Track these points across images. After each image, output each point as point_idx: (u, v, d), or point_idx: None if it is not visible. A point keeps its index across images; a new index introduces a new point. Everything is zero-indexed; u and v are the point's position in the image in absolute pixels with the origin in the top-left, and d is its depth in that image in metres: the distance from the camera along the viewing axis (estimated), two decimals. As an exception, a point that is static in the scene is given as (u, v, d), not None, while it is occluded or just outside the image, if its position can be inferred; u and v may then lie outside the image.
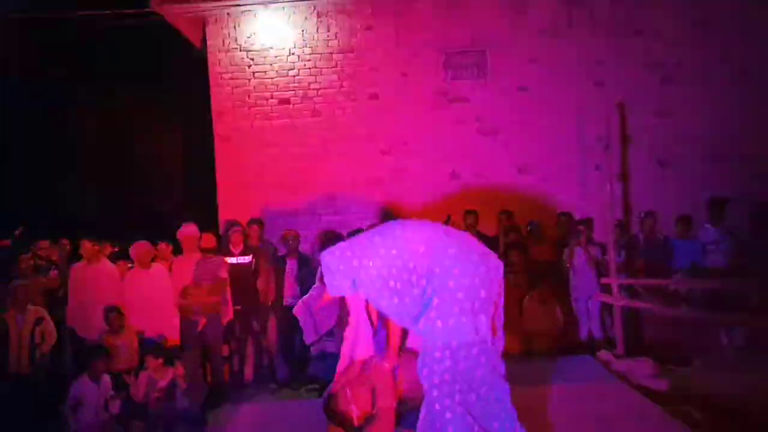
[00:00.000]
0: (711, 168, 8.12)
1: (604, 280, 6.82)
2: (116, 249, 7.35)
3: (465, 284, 3.24)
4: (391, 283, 3.29)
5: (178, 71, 11.88)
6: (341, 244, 3.61)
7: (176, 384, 5.86)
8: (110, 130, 13.02)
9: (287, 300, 7.14)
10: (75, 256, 7.34)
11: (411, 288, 3.27)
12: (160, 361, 6.03)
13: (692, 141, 8.19)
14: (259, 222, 7.77)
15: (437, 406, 3.20)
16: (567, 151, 8.27)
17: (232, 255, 7.18)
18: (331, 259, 3.48)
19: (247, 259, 7.24)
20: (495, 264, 3.43)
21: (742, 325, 6.92)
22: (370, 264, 3.33)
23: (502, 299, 3.47)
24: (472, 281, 3.24)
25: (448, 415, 3.16)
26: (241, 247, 7.27)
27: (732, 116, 8.16)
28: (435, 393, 3.21)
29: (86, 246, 6.87)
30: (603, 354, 6.17)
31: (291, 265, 7.28)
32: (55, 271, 6.84)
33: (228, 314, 7.04)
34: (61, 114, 12.46)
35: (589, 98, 8.25)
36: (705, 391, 5.33)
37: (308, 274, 6.96)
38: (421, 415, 3.26)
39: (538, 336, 7.10)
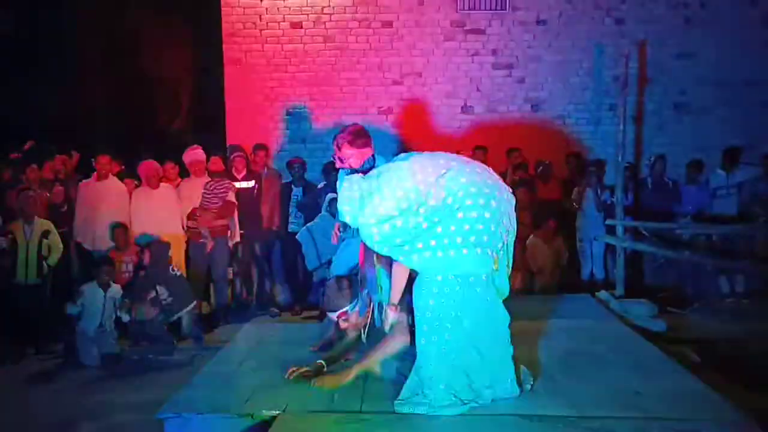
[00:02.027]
0: (728, 113, 7.98)
1: (609, 222, 6.80)
2: (123, 167, 7.34)
3: (474, 216, 3.17)
4: (398, 209, 3.19)
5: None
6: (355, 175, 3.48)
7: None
8: (119, 49, 12.81)
9: (291, 226, 7.18)
10: (81, 171, 7.37)
11: (415, 216, 3.19)
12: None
13: (711, 85, 8.01)
14: (264, 148, 7.74)
15: (423, 341, 3.19)
16: (582, 90, 8.12)
17: (235, 180, 7.18)
18: (347, 185, 3.36)
19: (250, 184, 7.24)
20: (508, 197, 3.38)
21: (744, 272, 6.95)
22: (385, 193, 3.21)
23: (513, 236, 3.41)
24: (481, 214, 3.18)
25: (434, 350, 3.17)
26: (244, 172, 7.26)
27: (753, 62, 7.96)
28: (425, 327, 3.20)
29: (102, 161, 6.87)
30: (603, 294, 6.21)
31: (296, 193, 7.29)
32: (60, 187, 6.84)
33: (235, 237, 7.11)
34: (69, 32, 12.25)
35: (608, 36, 8.04)
36: (703, 335, 5.39)
37: (313, 201, 6.96)
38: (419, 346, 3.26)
39: (539, 274, 7.16)
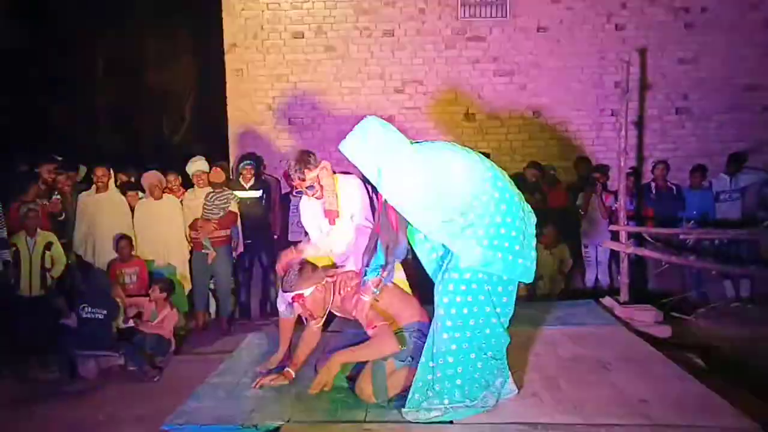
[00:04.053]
0: (730, 118, 7.99)
1: (612, 228, 6.79)
2: (131, 180, 7.34)
3: (509, 222, 3.17)
4: (423, 195, 3.09)
5: (191, 1, 11.67)
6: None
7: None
8: (121, 62, 12.87)
9: (292, 236, 7.18)
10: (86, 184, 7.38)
11: (442, 207, 3.12)
12: (164, 295, 6.14)
13: (712, 90, 8.03)
14: (259, 158, 7.77)
15: (445, 336, 3.15)
16: (584, 96, 8.12)
17: (242, 188, 7.20)
18: (373, 124, 3.20)
19: (258, 193, 7.26)
20: (529, 209, 3.38)
21: (749, 276, 6.93)
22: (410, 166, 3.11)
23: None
24: (514, 221, 3.18)
25: (456, 348, 3.16)
26: (252, 181, 7.27)
27: (754, 66, 7.97)
28: (448, 323, 3.14)
29: (99, 173, 6.89)
30: (607, 300, 6.19)
31: (296, 202, 7.29)
32: (58, 198, 6.84)
33: (238, 247, 7.13)
34: (72, 45, 12.31)
35: (609, 42, 8.06)
36: (707, 341, 5.37)
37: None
38: (427, 343, 3.23)
39: (542, 280, 7.14)
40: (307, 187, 3.93)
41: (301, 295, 3.51)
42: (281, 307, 4.04)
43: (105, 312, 5.81)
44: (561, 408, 3.23)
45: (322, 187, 3.93)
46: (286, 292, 3.56)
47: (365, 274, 3.46)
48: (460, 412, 3.15)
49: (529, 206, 3.40)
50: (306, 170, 3.87)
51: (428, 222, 3.14)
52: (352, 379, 3.53)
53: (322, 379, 3.47)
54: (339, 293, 3.59)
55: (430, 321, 3.32)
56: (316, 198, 4.00)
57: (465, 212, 3.13)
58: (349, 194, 4.03)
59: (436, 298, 3.22)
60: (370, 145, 3.13)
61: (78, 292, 6.10)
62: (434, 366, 3.18)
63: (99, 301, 5.85)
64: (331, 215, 3.99)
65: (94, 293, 6.03)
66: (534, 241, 3.36)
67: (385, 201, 3.22)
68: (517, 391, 3.37)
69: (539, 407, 3.27)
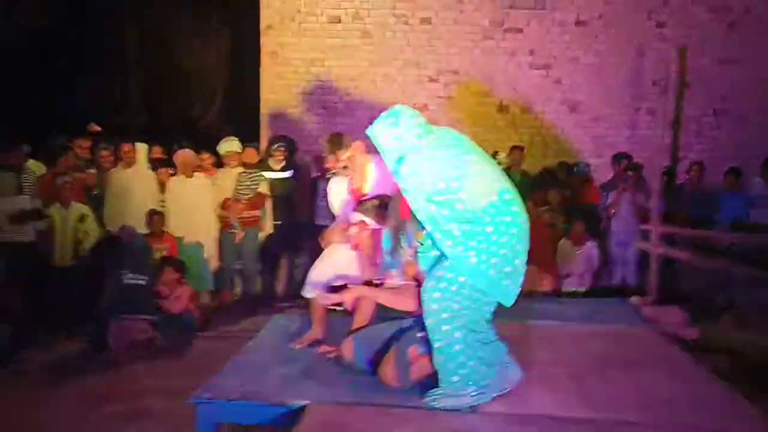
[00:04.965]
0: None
1: (643, 227, 6.72)
2: (166, 156, 7.42)
3: (504, 241, 3.11)
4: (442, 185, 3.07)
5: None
6: None
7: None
8: (157, 41, 12.98)
9: (319, 220, 7.22)
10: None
11: (456, 207, 3.08)
12: (177, 275, 6.21)
13: (752, 92, 7.89)
14: (291, 141, 7.80)
15: (445, 328, 3.15)
16: (620, 93, 8.04)
17: (272, 170, 7.25)
18: (402, 113, 3.24)
19: (288, 175, 7.30)
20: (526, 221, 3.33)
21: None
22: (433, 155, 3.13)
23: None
24: (519, 232, 3.15)
25: (457, 334, 3.15)
26: (283, 163, 7.31)
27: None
28: (444, 315, 3.14)
29: (125, 149, 6.98)
30: (634, 299, 6.13)
31: (324, 186, 7.31)
32: (93, 171, 6.94)
33: (266, 228, 7.18)
34: (105, 21, 12.45)
35: (648, 39, 7.95)
36: (736, 345, 5.30)
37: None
38: (435, 346, 3.23)
39: (570, 277, 7.10)
40: (342, 168, 3.95)
41: (365, 223, 3.58)
42: (307, 294, 4.08)
43: (146, 278, 5.88)
44: (586, 404, 3.22)
45: (356, 167, 3.93)
46: (356, 212, 3.64)
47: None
48: (478, 398, 3.16)
49: (528, 227, 3.30)
50: (339, 151, 3.90)
51: (434, 218, 3.12)
52: (373, 363, 3.54)
53: (336, 297, 3.51)
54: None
55: None
56: (349, 179, 4.02)
57: (472, 221, 3.10)
58: (383, 172, 4.00)
59: (425, 297, 3.19)
60: (396, 132, 3.17)
61: (117, 259, 6.13)
62: (448, 356, 3.17)
63: (140, 267, 5.91)
64: (355, 194, 4.00)
65: (135, 259, 6.05)
66: (525, 268, 3.29)
67: (399, 190, 3.24)
68: (521, 375, 3.35)
69: (565, 402, 3.26)
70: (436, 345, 3.19)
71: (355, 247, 3.70)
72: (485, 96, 8.16)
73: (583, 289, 7.08)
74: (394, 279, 3.51)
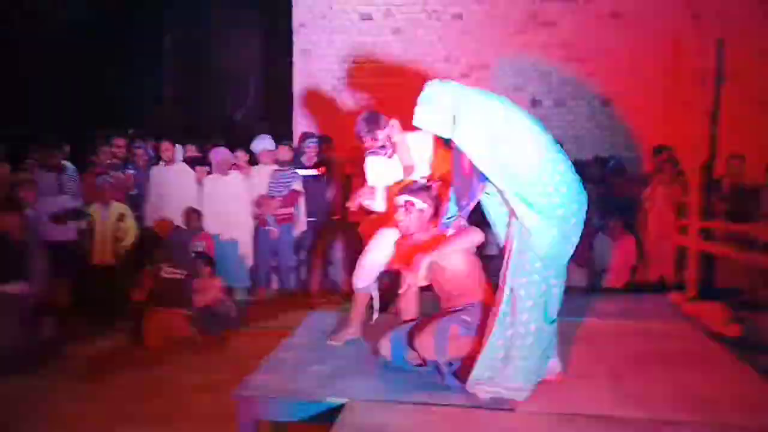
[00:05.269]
0: (811, 113, 7.66)
1: (682, 222, 6.62)
2: (199, 155, 7.53)
3: (566, 203, 3.12)
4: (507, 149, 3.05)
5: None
6: None
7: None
8: (191, 39, 13.11)
9: (353, 217, 7.24)
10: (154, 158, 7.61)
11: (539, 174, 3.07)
12: (209, 269, 6.27)
13: (793, 83, 7.71)
14: (329, 139, 7.84)
15: (525, 317, 3.14)
16: (656, 85, 7.91)
17: (305, 167, 7.30)
18: (437, 86, 3.24)
19: (320, 171, 7.34)
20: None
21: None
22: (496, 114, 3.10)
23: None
24: (572, 202, 3.14)
25: (532, 327, 3.15)
26: (315, 159, 7.36)
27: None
28: (529, 303, 3.13)
29: (164, 147, 7.11)
30: (673, 295, 6.05)
31: (356, 183, 7.33)
32: (131, 171, 7.08)
33: (301, 225, 7.24)
34: (144, 22, 12.60)
35: (685, 31, 7.80)
36: (778, 342, 5.20)
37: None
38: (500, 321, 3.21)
39: (606, 273, 7.03)
40: (379, 147, 3.92)
41: (412, 203, 3.55)
42: (360, 283, 4.08)
43: (184, 272, 5.96)
44: (627, 402, 3.19)
45: (394, 144, 3.92)
46: (403, 194, 3.60)
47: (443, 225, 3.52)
48: (518, 394, 3.16)
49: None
50: (377, 130, 3.88)
51: (502, 175, 3.10)
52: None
53: (406, 280, 3.37)
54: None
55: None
56: (387, 157, 3.98)
57: (532, 182, 3.09)
58: (421, 147, 3.95)
59: (508, 277, 3.18)
60: (440, 105, 3.18)
61: (156, 253, 6.22)
62: (509, 346, 3.17)
63: (178, 261, 5.99)
64: (409, 171, 3.98)
65: (174, 253, 6.13)
66: (580, 229, 3.27)
67: (457, 148, 3.22)
68: (561, 366, 3.37)
69: (605, 400, 3.23)
70: (507, 332, 3.18)
71: (405, 229, 3.65)
72: (517, 90, 8.10)
73: (620, 285, 7.00)
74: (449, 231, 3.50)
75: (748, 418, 3.04)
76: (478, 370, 3.20)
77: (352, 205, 4.06)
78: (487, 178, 3.17)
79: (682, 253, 6.89)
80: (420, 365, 3.48)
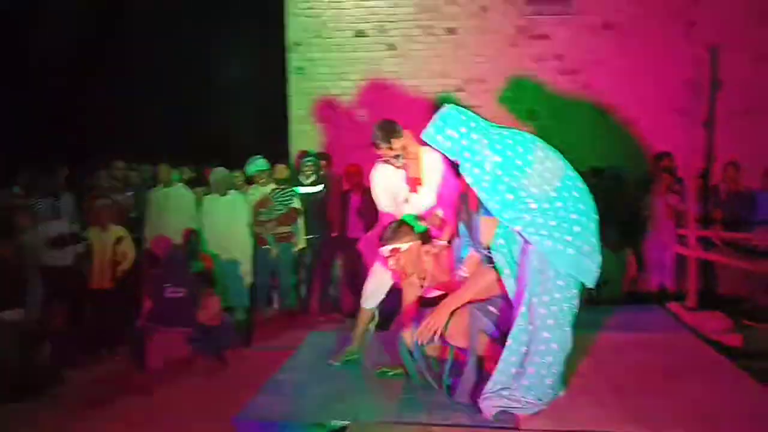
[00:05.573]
0: (806, 118, 7.67)
1: (680, 231, 6.61)
2: (194, 174, 7.55)
3: (583, 220, 3.18)
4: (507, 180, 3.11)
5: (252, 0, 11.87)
6: None
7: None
8: (184, 58, 13.16)
9: (351, 233, 7.24)
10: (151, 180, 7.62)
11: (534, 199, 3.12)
12: (209, 288, 6.24)
13: (787, 89, 7.73)
14: (327, 156, 7.86)
15: (546, 335, 3.13)
16: (651, 95, 7.92)
17: (303, 185, 7.30)
18: (453, 112, 3.27)
19: (319, 188, 7.35)
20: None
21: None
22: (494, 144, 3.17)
23: None
24: (587, 209, 3.21)
25: (554, 345, 3.15)
26: (313, 177, 7.36)
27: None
28: (550, 322, 3.12)
29: (161, 169, 7.12)
30: (673, 305, 6.03)
31: (354, 200, 7.34)
32: (131, 194, 7.09)
33: (299, 243, 7.24)
34: (138, 43, 12.67)
35: (679, 39, 7.83)
36: (781, 350, 5.17)
37: (372, 208, 6.99)
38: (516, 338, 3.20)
39: (607, 283, 7.00)
40: (394, 156, 3.87)
41: (397, 249, 3.56)
42: (368, 304, 4.07)
43: (185, 290, 5.92)
44: (629, 417, 3.17)
45: (409, 155, 3.88)
46: (383, 245, 3.59)
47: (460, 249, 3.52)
48: (528, 409, 3.15)
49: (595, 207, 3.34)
50: (394, 139, 3.82)
51: (510, 210, 3.14)
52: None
53: (429, 325, 3.36)
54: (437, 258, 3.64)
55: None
56: (399, 168, 3.94)
57: (540, 200, 3.13)
58: (432, 165, 3.97)
59: (525, 294, 3.18)
60: (447, 132, 3.21)
61: (159, 273, 6.21)
62: (528, 362, 3.16)
63: (179, 280, 5.96)
64: (414, 183, 3.98)
65: (174, 272, 6.08)
66: (600, 249, 3.30)
67: (468, 185, 3.25)
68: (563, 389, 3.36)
69: (607, 416, 3.21)
70: (522, 349, 3.17)
71: (403, 274, 3.67)
72: (513, 103, 8.12)
73: (620, 296, 6.98)
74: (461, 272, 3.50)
75: (751, 430, 3.02)
76: (491, 383, 3.19)
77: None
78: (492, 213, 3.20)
79: (682, 262, 6.88)
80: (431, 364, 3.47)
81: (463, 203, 3.41)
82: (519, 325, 3.17)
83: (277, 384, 3.77)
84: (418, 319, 3.54)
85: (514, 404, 3.14)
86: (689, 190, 6.52)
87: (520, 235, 3.16)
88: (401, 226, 3.63)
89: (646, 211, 7.16)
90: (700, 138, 7.57)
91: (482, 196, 3.17)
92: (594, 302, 6.76)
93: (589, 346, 4.27)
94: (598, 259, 3.25)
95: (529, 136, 3.31)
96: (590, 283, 3.25)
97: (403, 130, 3.89)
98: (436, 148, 3.27)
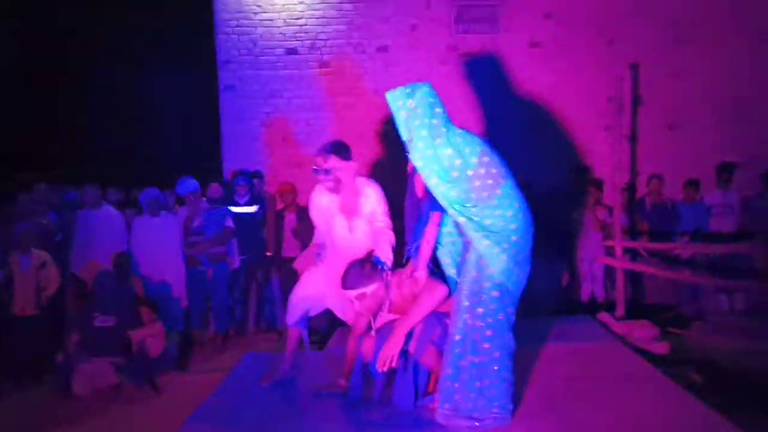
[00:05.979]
0: (722, 131, 8.02)
1: (608, 243, 6.81)
2: (122, 195, 7.34)
3: (520, 219, 3.29)
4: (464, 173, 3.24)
5: (182, 18, 11.70)
6: None
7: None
8: (112, 77, 12.86)
9: (287, 252, 7.16)
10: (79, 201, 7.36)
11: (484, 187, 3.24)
12: (155, 316, 6.05)
13: (703, 103, 8.06)
14: (260, 175, 7.79)
15: (486, 345, 3.20)
16: (576, 111, 8.15)
17: (237, 204, 7.20)
18: (426, 89, 3.37)
19: (252, 209, 7.26)
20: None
21: (744, 289, 6.95)
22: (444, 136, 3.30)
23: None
24: (525, 222, 3.31)
25: (496, 354, 3.21)
26: (247, 197, 7.27)
27: (745, 80, 8.02)
28: (488, 333, 3.19)
29: (89, 191, 6.89)
30: (603, 316, 6.20)
31: (289, 219, 7.27)
32: (54, 217, 6.83)
33: (234, 263, 7.11)
34: (62, 59, 12.33)
35: (602, 57, 8.11)
36: (705, 355, 5.38)
37: (307, 227, 6.95)
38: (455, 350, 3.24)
39: (539, 295, 7.14)
40: (323, 169, 3.89)
41: (364, 293, 3.53)
42: (290, 319, 4.05)
43: (114, 318, 5.71)
44: (562, 429, 3.23)
45: (338, 180, 3.90)
46: (348, 289, 3.56)
47: (411, 252, 3.57)
48: (500, 422, 3.21)
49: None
50: (333, 155, 3.88)
51: (451, 199, 3.23)
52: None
53: (387, 353, 3.36)
54: (398, 288, 3.63)
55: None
56: (326, 188, 3.99)
57: (492, 206, 3.24)
58: (371, 196, 4.01)
59: (463, 306, 3.20)
60: (409, 102, 3.31)
61: (84, 302, 5.96)
62: (481, 375, 3.20)
63: (108, 308, 5.74)
64: (347, 211, 4.00)
65: (103, 299, 5.85)
66: (530, 259, 3.38)
67: (414, 168, 3.35)
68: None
69: (538, 426, 3.26)
70: (460, 362, 3.21)
71: (368, 313, 3.67)
72: (446, 120, 8.21)
73: (552, 307, 7.11)
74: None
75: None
76: (440, 395, 3.25)
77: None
78: (440, 207, 3.24)
79: (611, 273, 7.09)
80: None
81: (409, 190, 3.52)
82: (455, 341, 3.22)
83: (211, 409, 3.69)
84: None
85: (489, 421, 3.16)
86: (615, 203, 6.74)
87: (463, 229, 3.21)
88: (366, 269, 3.59)
89: (575, 224, 7.35)
90: (626, 152, 7.82)
91: (431, 181, 3.25)
92: (526, 314, 6.89)
93: (521, 357, 4.33)
94: (527, 269, 3.32)
95: (479, 140, 3.40)
96: (516, 292, 3.32)
97: (348, 160, 3.94)
98: (393, 112, 3.35)
